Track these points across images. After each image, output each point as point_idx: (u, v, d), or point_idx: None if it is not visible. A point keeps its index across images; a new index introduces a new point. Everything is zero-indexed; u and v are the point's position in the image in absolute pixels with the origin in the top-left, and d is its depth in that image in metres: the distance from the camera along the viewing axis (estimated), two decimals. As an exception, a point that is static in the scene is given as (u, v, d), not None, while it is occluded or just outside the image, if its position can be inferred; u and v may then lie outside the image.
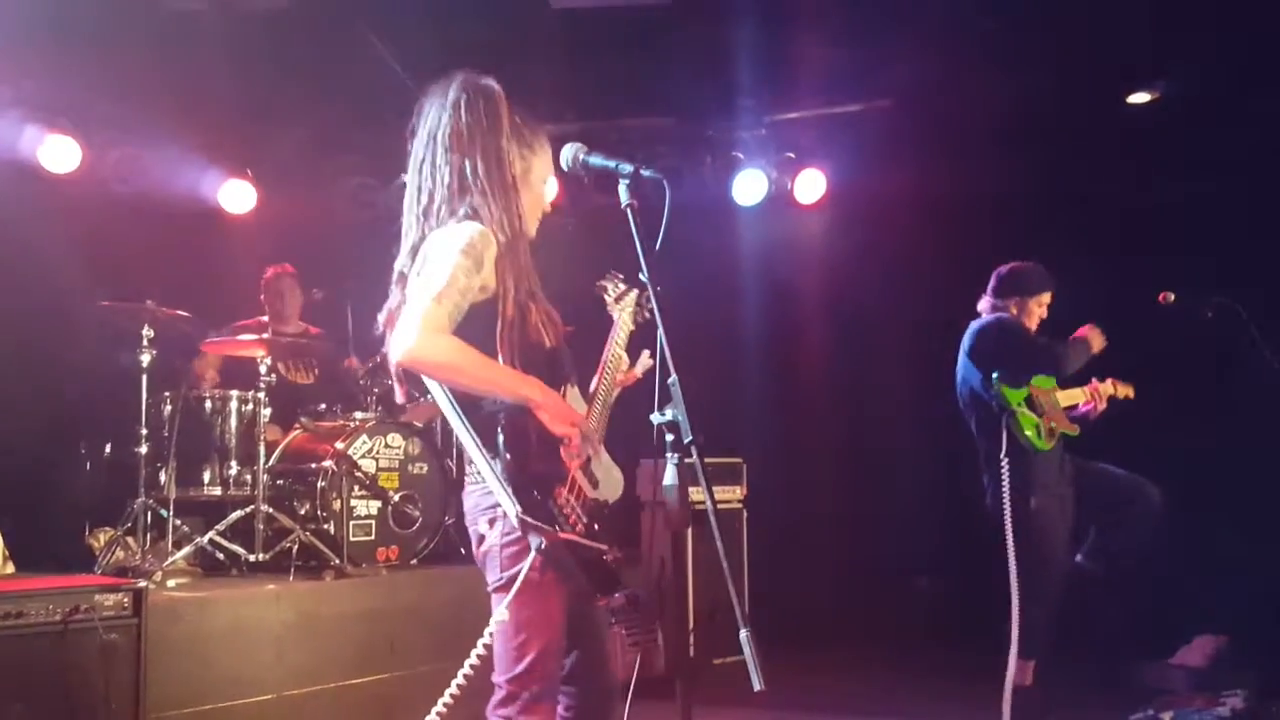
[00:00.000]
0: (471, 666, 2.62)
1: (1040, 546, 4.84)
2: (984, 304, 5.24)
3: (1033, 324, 5.14)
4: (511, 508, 2.52)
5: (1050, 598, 4.85)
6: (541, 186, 2.86)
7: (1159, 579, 5.74)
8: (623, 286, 3.23)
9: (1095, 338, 5.05)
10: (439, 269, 2.57)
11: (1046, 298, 5.16)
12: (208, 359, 6.23)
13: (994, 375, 4.93)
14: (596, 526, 2.67)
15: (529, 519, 2.52)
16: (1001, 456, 4.83)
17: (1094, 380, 5.22)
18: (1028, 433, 4.86)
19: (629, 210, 2.46)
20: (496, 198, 2.69)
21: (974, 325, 5.14)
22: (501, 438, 2.58)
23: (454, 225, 2.66)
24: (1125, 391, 5.32)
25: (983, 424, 5.05)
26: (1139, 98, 6.87)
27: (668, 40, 6.31)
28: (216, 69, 6.26)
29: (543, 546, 2.52)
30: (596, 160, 2.65)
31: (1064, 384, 5.20)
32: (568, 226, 2.98)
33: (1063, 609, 4.93)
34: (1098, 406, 5.18)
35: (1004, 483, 4.80)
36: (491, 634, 2.64)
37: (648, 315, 3.16)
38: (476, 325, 2.61)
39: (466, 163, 2.71)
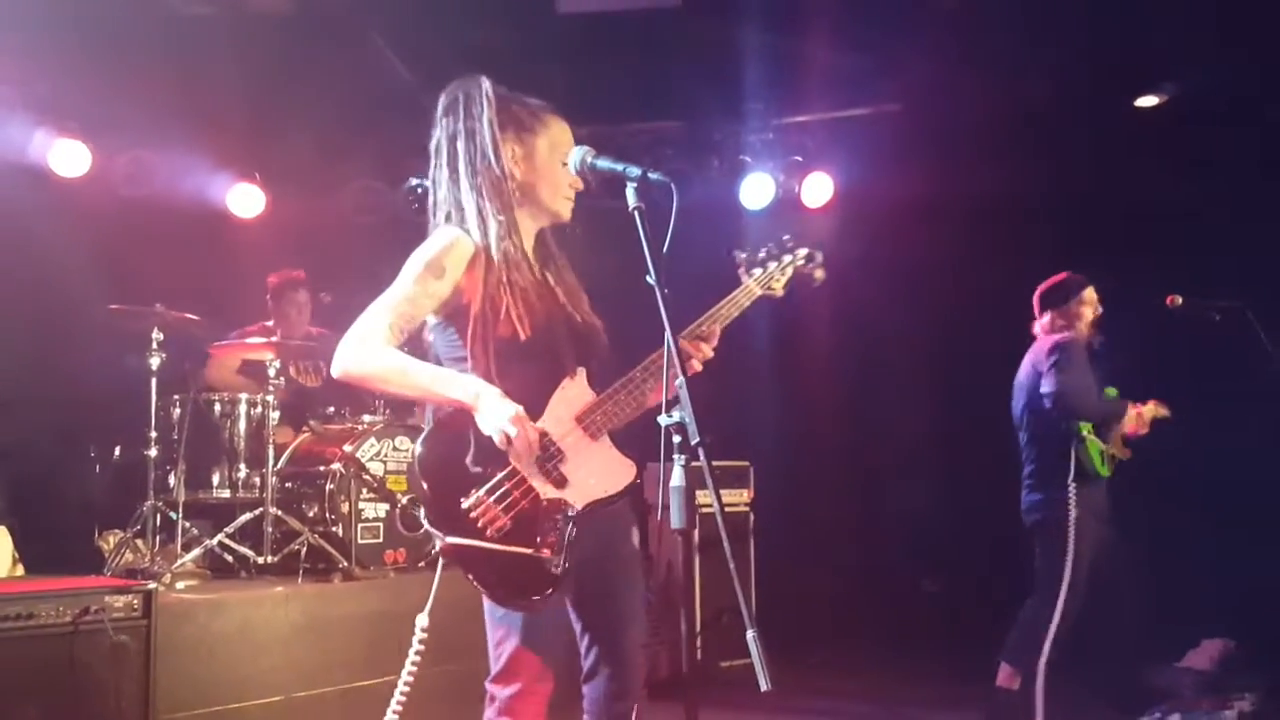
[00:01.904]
0: (410, 674, 2.86)
1: (1079, 570, 4.89)
2: (1039, 326, 5.30)
3: (1088, 320, 5.19)
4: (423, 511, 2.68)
5: (1074, 616, 4.90)
6: (554, 162, 2.84)
7: (1166, 581, 5.74)
8: (774, 250, 3.09)
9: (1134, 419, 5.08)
10: (397, 281, 2.71)
11: (1091, 293, 5.22)
12: (222, 367, 6.23)
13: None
14: (543, 528, 2.63)
15: (427, 523, 2.65)
16: (1069, 480, 4.91)
17: (1136, 405, 5.18)
18: (1095, 460, 4.95)
19: (636, 214, 2.46)
20: (478, 195, 2.76)
21: (1043, 344, 5.17)
22: (421, 441, 2.71)
23: (433, 234, 2.79)
24: (1162, 412, 5.29)
25: (1044, 443, 5.10)
26: (1147, 101, 6.87)
27: (675, 43, 6.33)
28: (225, 73, 6.30)
29: (437, 549, 2.61)
30: (604, 164, 2.66)
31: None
32: (576, 231, 2.93)
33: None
34: (1139, 430, 5.16)
35: (1070, 507, 4.88)
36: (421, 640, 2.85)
37: (815, 281, 3.11)
38: (455, 328, 2.76)
39: (449, 168, 2.81)
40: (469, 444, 2.64)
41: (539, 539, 2.62)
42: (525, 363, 2.71)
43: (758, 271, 3.05)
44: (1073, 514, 4.87)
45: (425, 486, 2.64)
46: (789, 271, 3.08)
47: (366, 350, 2.65)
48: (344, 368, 2.67)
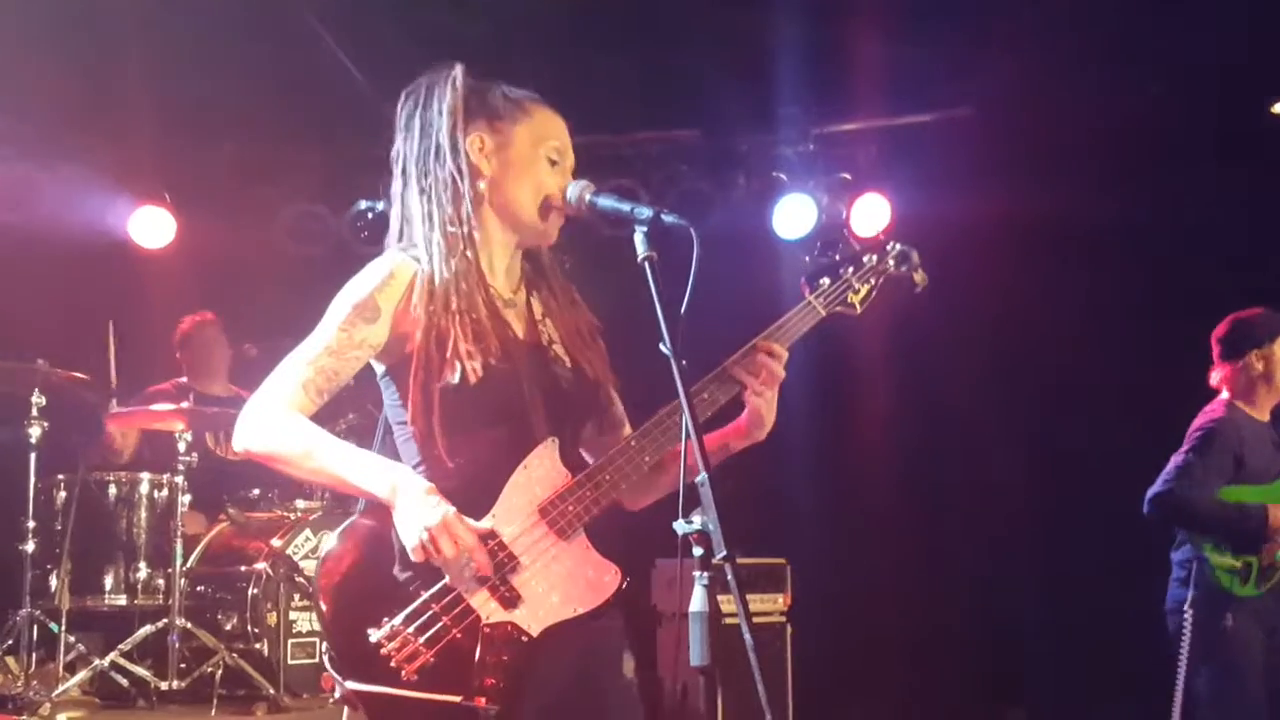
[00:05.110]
0: None
1: (1231, 677, 4.83)
2: (1214, 376, 5.21)
3: None
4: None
5: None
6: (536, 158, 2.75)
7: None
8: (851, 251, 2.93)
9: None
10: (319, 327, 2.65)
11: None
12: (120, 439, 6.21)
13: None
14: (482, 665, 2.47)
15: (325, 660, 2.52)
16: (1186, 607, 4.89)
17: None
18: (1223, 580, 4.88)
19: (647, 265, 2.44)
20: (427, 201, 2.72)
21: (1197, 421, 5.11)
22: (336, 535, 2.61)
23: (370, 264, 2.72)
24: None
25: (1180, 540, 5.09)
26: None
27: (692, 33, 6.34)
28: (129, 70, 6.32)
29: (336, 696, 2.49)
30: (607, 203, 2.64)
31: None
32: (566, 265, 2.87)
33: None
34: None
35: (1185, 627, 4.86)
36: None
37: (915, 286, 2.95)
38: (397, 382, 2.68)
39: (401, 177, 2.78)
40: (394, 546, 2.51)
41: (474, 681, 2.46)
42: (478, 425, 2.60)
43: (825, 282, 2.88)
44: (1187, 628, 4.86)
45: (324, 607, 2.53)
46: (871, 280, 2.92)
47: (268, 420, 2.56)
48: (243, 443, 2.59)
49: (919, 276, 2.96)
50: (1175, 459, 4.99)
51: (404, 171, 2.76)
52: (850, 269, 2.90)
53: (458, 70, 2.76)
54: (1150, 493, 4.96)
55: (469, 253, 2.68)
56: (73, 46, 6.14)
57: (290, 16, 6.03)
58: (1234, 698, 4.82)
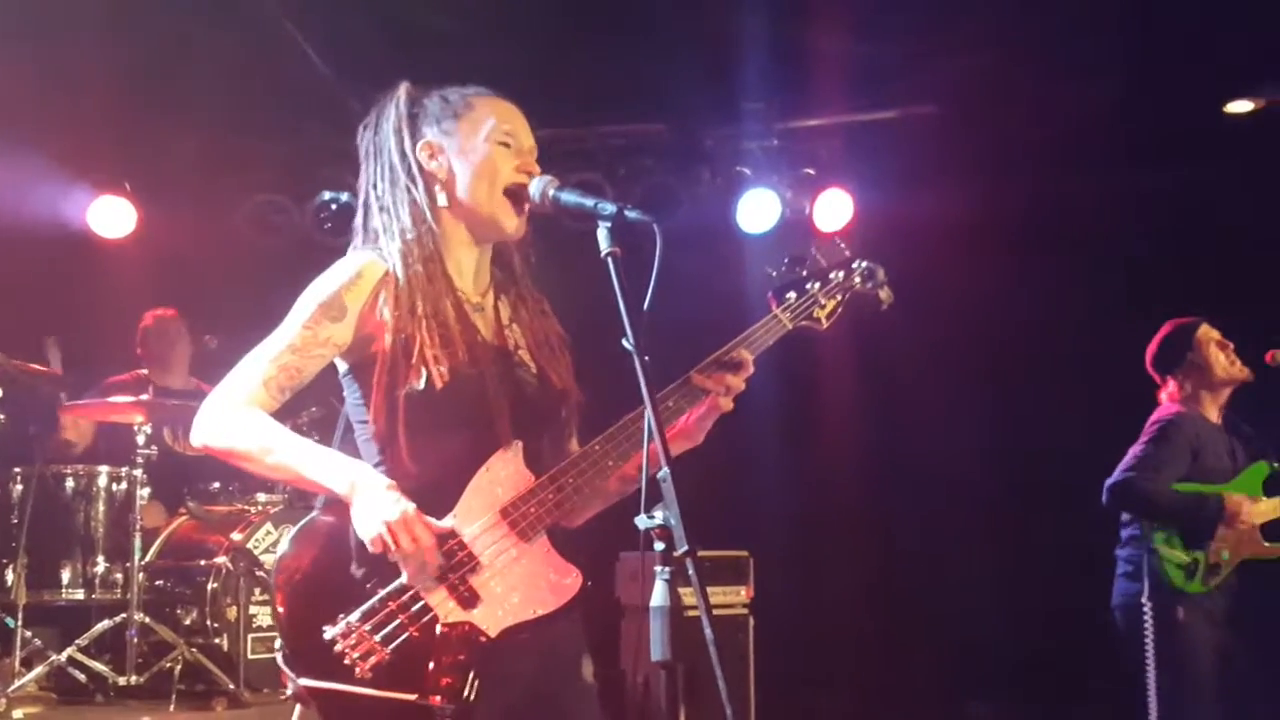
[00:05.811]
0: None
1: (1186, 671, 4.88)
2: (1163, 396, 5.32)
3: (1223, 365, 5.17)
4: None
5: None
6: (483, 145, 2.75)
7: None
8: (818, 266, 2.95)
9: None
10: (284, 323, 2.67)
11: (1208, 332, 5.20)
12: (78, 431, 6.18)
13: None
14: (439, 665, 2.47)
15: (279, 657, 2.53)
16: (1143, 599, 4.92)
17: None
18: (1173, 576, 4.93)
19: (610, 261, 2.43)
20: (385, 215, 2.75)
21: (1151, 417, 5.19)
22: (292, 537, 2.62)
23: (338, 261, 2.75)
24: None
25: (1126, 537, 5.16)
26: (1239, 106, 6.91)
27: (658, 27, 6.32)
28: (88, 56, 6.25)
29: (289, 693, 2.49)
30: (570, 198, 2.63)
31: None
32: (530, 260, 2.87)
33: None
34: None
35: (1146, 616, 4.89)
36: None
37: (880, 304, 2.98)
38: (360, 382, 2.70)
39: (362, 201, 2.82)
40: (352, 544, 2.52)
41: (430, 680, 2.46)
42: (442, 428, 2.61)
43: (791, 296, 2.90)
44: (1150, 631, 4.90)
45: (280, 608, 2.53)
46: (838, 296, 2.95)
47: (227, 415, 2.58)
48: (202, 438, 2.61)
49: (884, 294, 3.00)
50: (1133, 449, 5.08)
51: (365, 195, 2.80)
52: (817, 284, 2.93)
53: (401, 90, 2.81)
54: (1109, 482, 5.03)
55: (433, 258, 2.69)
56: (31, 32, 6.06)
57: (254, 5, 5.99)
58: (1186, 692, 4.87)
